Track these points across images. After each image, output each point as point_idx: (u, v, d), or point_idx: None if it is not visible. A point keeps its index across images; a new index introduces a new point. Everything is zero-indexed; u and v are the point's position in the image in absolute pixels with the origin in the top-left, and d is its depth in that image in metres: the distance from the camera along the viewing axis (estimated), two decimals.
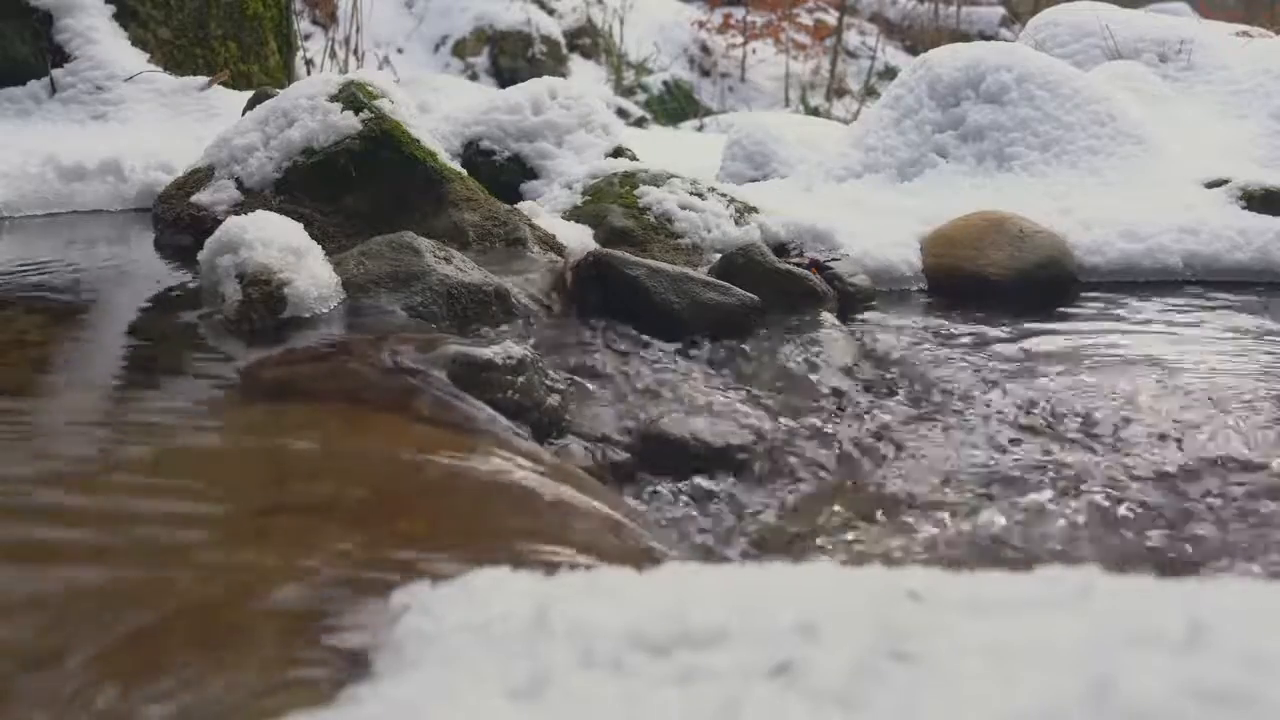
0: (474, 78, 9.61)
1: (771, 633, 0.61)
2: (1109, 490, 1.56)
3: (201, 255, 1.80)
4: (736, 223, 2.73)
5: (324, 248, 1.86)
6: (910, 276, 2.82)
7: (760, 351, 2.01)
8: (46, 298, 1.91)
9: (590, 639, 0.61)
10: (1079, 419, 1.82)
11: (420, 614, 0.70)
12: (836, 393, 1.89)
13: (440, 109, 3.68)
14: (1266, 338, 2.41)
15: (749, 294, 2.14)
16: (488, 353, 1.52)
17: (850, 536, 1.41)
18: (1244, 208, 3.20)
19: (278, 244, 1.75)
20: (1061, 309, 2.66)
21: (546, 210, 2.69)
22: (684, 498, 1.48)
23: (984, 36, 10.86)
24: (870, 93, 10.84)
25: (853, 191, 3.39)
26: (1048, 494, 1.55)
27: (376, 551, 0.95)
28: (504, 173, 3.10)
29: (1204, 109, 4.25)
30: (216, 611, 0.82)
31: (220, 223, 1.85)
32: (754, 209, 2.83)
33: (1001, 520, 1.47)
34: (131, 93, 3.63)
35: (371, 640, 0.74)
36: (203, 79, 3.80)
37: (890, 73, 10.88)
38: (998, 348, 2.25)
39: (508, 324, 1.87)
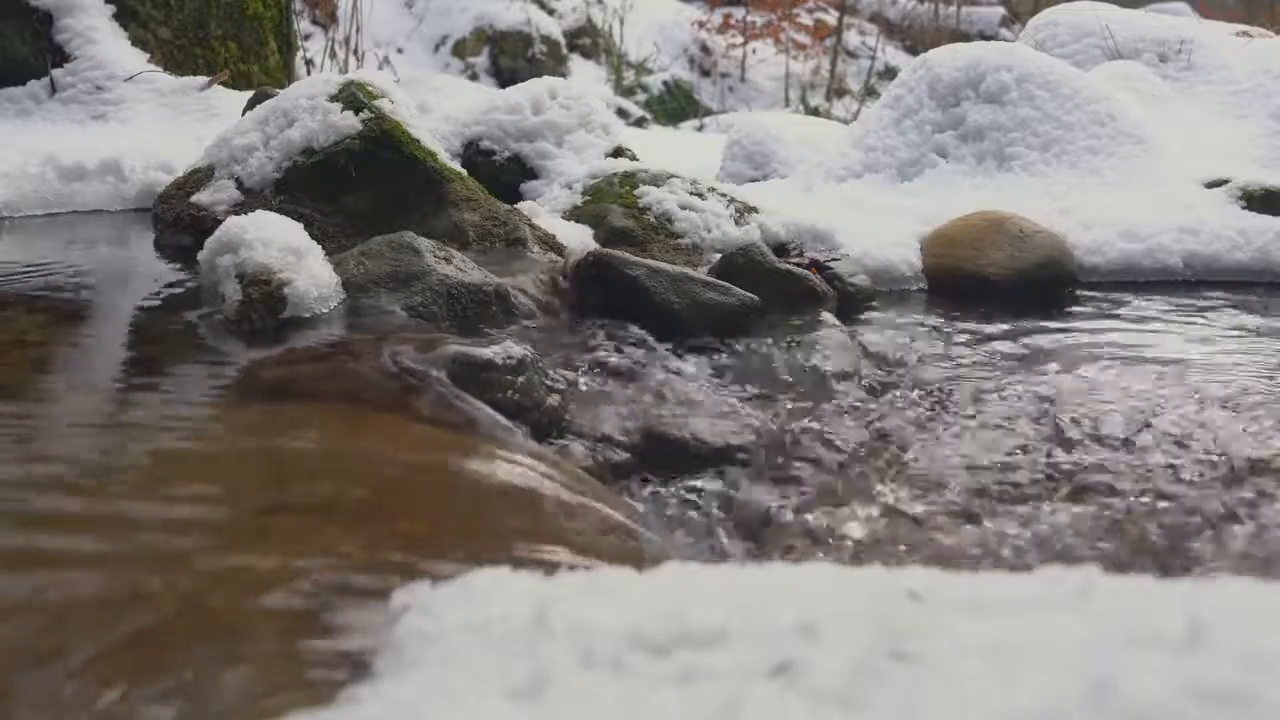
0: (474, 78, 9.61)
1: (771, 633, 0.61)
2: (1109, 490, 1.56)
3: (201, 255, 1.80)
4: (736, 223, 2.73)
5: (324, 248, 1.86)
6: (910, 276, 2.82)
7: (760, 351, 2.01)
8: (46, 298, 1.92)
9: (590, 639, 0.61)
10: (1080, 419, 1.82)
11: (420, 614, 0.70)
12: (837, 393, 1.89)
13: (440, 109, 3.68)
14: (1267, 337, 2.41)
15: (749, 294, 2.14)
16: (488, 353, 1.52)
17: (851, 536, 1.41)
18: (1244, 208, 3.20)
19: (278, 244, 1.75)
20: (1062, 309, 2.66)
21: (546, 210, 2.69)
22: (684, 498, 1.48)
23: (984, 36, 10.86)
24: (870, 93, 10.84)
25: (853, 191, 3.39)
26: (1049, 494, 1.55)
27: (376, 552, 0.95)
28: (504, 173, 3.10)
29: (1204, 109, 4.25)
30: (216, 612, 0.82)
31: (220, 223, 1.85)
32: (754, 209, 2.83)
33: (1002, 520, 1.47)
34: (131, 93, 3.63)
35: (371, 640, 0.74)
36: (203, 79, 3.80)
37: (890, 73, 10.88)
38: (998, 348, 2.25)
39: (508, 324, 1.87)
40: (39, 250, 2.44)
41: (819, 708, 0.53)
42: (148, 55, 3.83)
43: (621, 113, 9.45)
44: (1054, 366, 2.12)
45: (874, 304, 2.56)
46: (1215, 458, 1.67)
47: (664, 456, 1.57)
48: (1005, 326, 2.41)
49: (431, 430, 1.33)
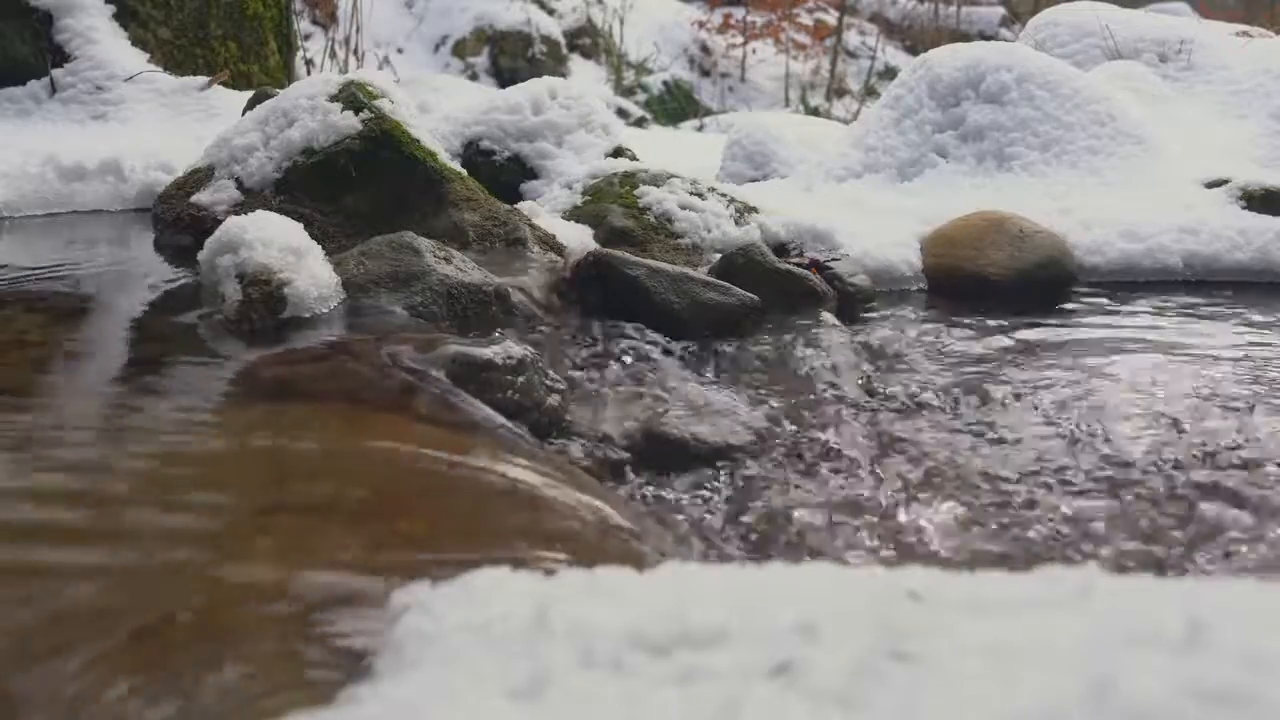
0: (474, 78, 9.61)
1: (771, 633, 0.61)
2: (1110, 490, 1.56)
3: (201, 255, 1.80)
4: (736, 223, 2.73)
5: (324, 248, 1.86)
6: (910, 276, 2.82)
7: (760, 351, 2.01)
8: (46, 298, 1.92)
9: (590, 639, 0.61)
10: (1081, 419, 1.82)
11: (420, 614, 0.70)
12: (837, 393, 1.89)
13: (440, 109, 3.68)
14: (1268, 337, 2.41)
15: (749, 294, 2.14)
16: (487, 353, 1.52)
17: (851, 536, 1.41)
18: (1244, 208, 3.20)
19: (278, 244, 1.75)
20: (1062, 309, 2.66)
21: (546, 210, 2.69)
22: (684, 498, 1.48)
23: (984, 36, 10.86)
24: (870, 93, 10.85)
25: (853, 191, 3.39)
26: (1049, 494, 1.55)
27: (376, 551, 0.95)
28: (504, 173, 3.10)
29: (1204, 109, 4.25)
30: (216, 611, 0.82)
31: (220, 223, 1.85)
32: (754, 209, 2.83)
33: (1002, 520, 1.47)
34: (131, 93, 3.63)
35: (371, 640, 0.74)
36: (203, 79, 3.80)
37: (890, 73, 10.88)
38: (998, 348, 2.25)
39: (508, 324, 1.87)
40: (39, 250, 2.44)
41: (819, 708, 0.53)
42: (148, 55, 3.83)
43: (621, 113, 9.46)
44: (1055, 367, 2.12)
45: (874, 304, 2.56)
46: (1218, 455, 1.67)
47: (664, 456, 1.57)
48: (1005, 326, 2.41)
49: (431, 430, 1.33)
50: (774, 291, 2.23)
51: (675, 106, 10.79)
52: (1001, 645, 0.57)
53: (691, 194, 2.79)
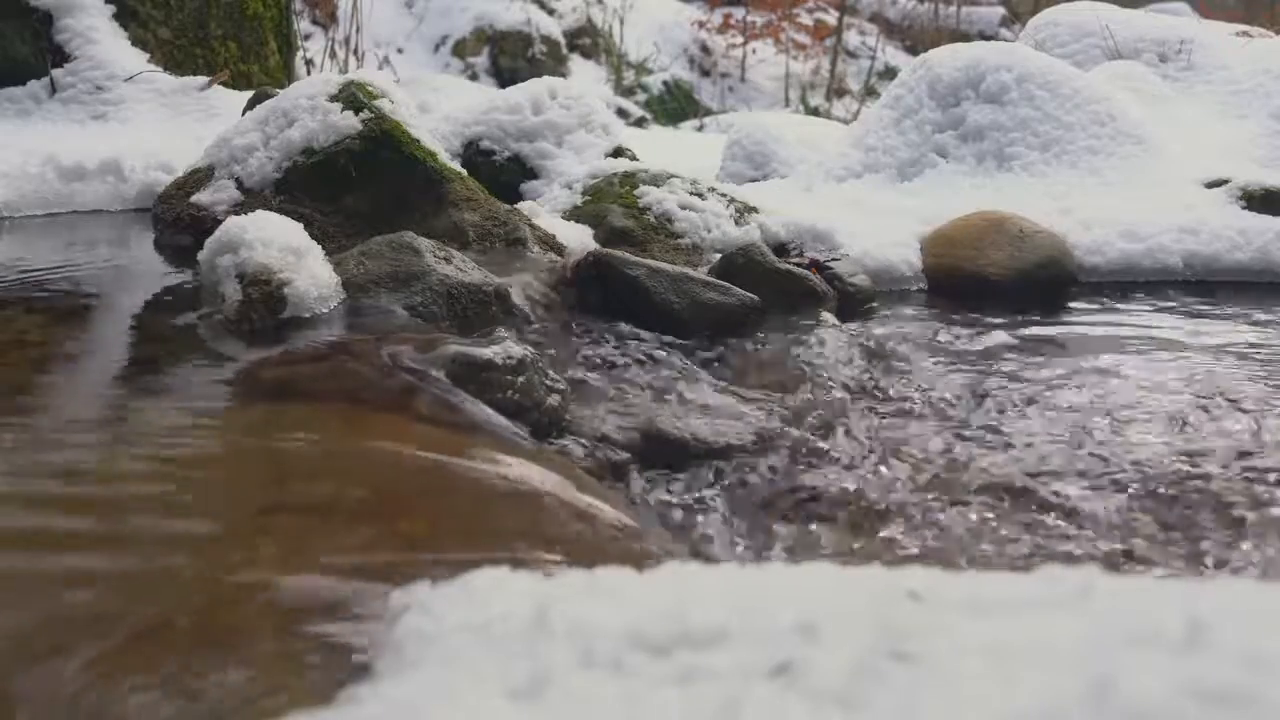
0: (474, 78, 9.61)
1: (771, 633, 0.61)
2: (1110, 490, 1.56)
3: (201, 255, 1.80)
4: (736, 223, 2.73)
5: (324, 248, 1.86)
6: (910, 276, 2.82)
7: (760, 351, 2.01)
8: (46, 298, 1.92)
9: (590, 639, 0.61)
10: (1081, 418, 1.82)
11: (420, 614, 0.70)
12: (837, 393, 1.89)
13: (440, 109, 3.68)
14: (1269, 336, 2.41)
15: (749, 294, 2.14)
16: (487, 353, 1.52)
17: (851, 536, 1.41)
18: (1244, 208, 3.20)
19: (278, 244, 1.75)
20: (1062, 309, 2.66)
21: (546, 210, 2.69)
22: (684, 498, 1.48)
23: (984, 36, 10.86)
24: (870, 93, 10.84)
25: (853, 191, 3.39)
26: (1049, 494, 1.55)
27: (376, 551, 0.95)
28: (504, 173, 3.10)
29: (1204, 109, 4.25)
30: (216, 611, 0.82)
31: (220, 223, 1.85)
32: (754, 209, 2.83)
33: (1001, 520, 1.47)
34: (131, 93, 3.63)
35: (371, 640, 0.74)
36: (203, 79, 3.80)
37: (890, 73, 10.88)
38: (997, 348, 2.25)
39: (508, 324, 1.87)
40: (39, 250, 2.44)
41: (819, 708, 0.53)
42: (148, 55, 3.83)
43: (621, 113, 9.46)
44: (1054, 367, 2.12)
45: (874, 304, 2.56)
46: (1217, 455, 1.67)
47: (664, 456, 1.57)
48: (1005, 327, 2.41)
49: (431, 430, 1.33)
50: (774, 291, 2.23)
51: (675, 106, 10.79)
52: (1001, 645, 0.57)
53: (691, 194, 2.79)
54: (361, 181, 2.33)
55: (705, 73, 11.65)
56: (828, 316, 2.22)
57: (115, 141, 3.19)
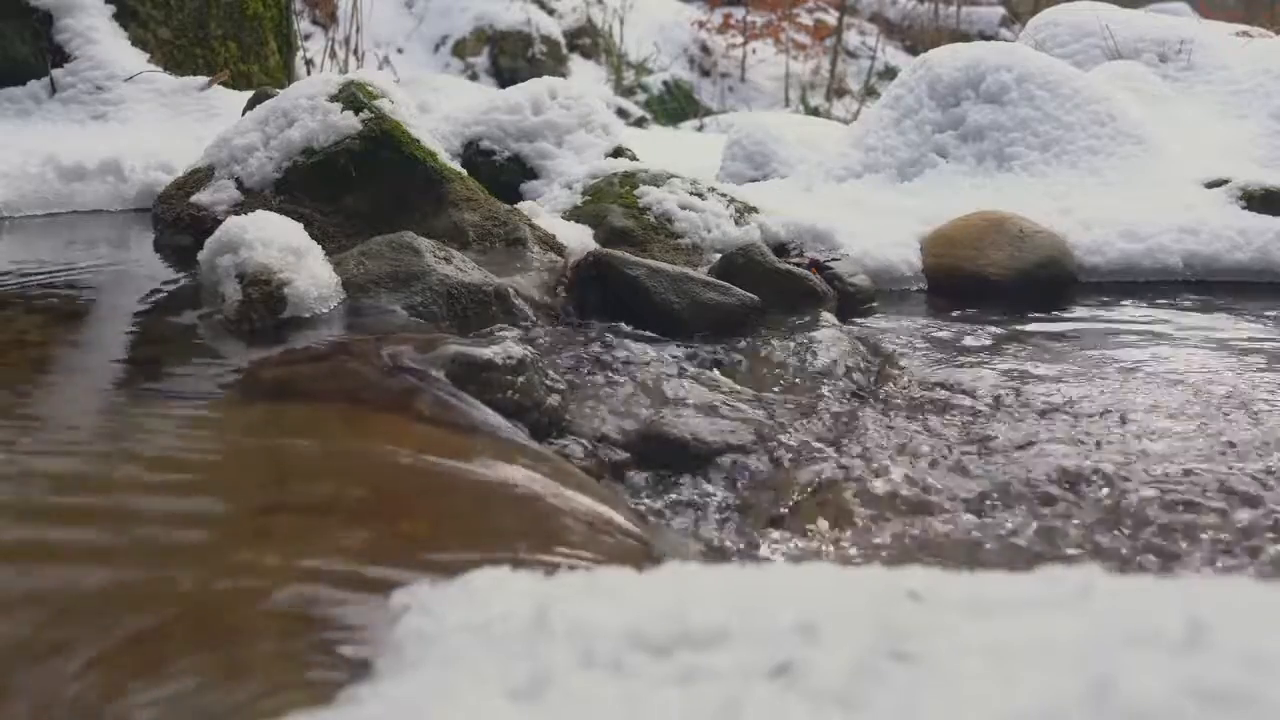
0: (474, 78, 9.61)
1: (771, 633, 0.61)
2: (1111, 490, 1.56)
3: (201, 255, 1.80)
4: (736, 223, 2.73)
5: (324, 248, 1.86)
6: (910, 276, 2.82)
7: (760, 351, 2.01)
8: (46, 298, 1.92)
9: (590, 639, 0.61)
10: (1082, 418, 1.82)
11: (420, 614, 0.70)
12: (837, 393, 1.89)
13: (440, 109, 3.68)
14: (1270, 336, 2.41)
15: (749, 294, 2.14)
16: (487, 353, 1.52)
17: (850, 537, 1.41)
18: (1244, 208, 3.20)
19: (278, 244, 1.75)
20: (1061, 309, 2.66)
21: (546, 210, 2.69)
22: (684, 498, 1.48)
23: (984, 36, 10.86)
24: (870, 93, 10.85)
25: (853, 191, 3.39)
26: (1048, 494, 1.55)
27: (377, 552, 0.95)
28: (504, 173, 3.10)
29: (1204, 109, 4.25)
30: (217, 612, 0.82)
31: (220, 223, 1.85)
32: (754, 209, 2.83)
33: (1000, 520, 1.47)
34: (131, 93, 3.63)
35: (371, 640, 0.74)
36: (203, 79, 3.80)
37: (890, 73, 10.88)
38: (997, 347, 2.25)
39: (508, 324, 1.87)
40: (39, 250, 2.44)
41: (819, 708, 0.53)
42: (148, 55, 3.84)
43: (621, 113, 9.46)
44: (1054, 366, 2.12)
45: (874, 304, 2.56)
46: (1217, 455, 1.67)
47: (664, 456, 1.57)
48: (1005, 326, 2.41)
49: (432, 430, 1.33)
50: (774, 291, 2.23)
51: (675, 106, 10.79)
52: (1001, 645, 0.57)
53: (691, 194, 2.79)
54: (361, 181, 2.33)
55: (705, 73, 11.65)
56: (828, 316, 2.22)
57: (115, 141, 3.19)
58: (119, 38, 3.82)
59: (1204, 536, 1.45)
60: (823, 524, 1.43)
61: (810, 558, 1.34)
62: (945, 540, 1.41)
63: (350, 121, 2.35)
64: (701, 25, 11.91)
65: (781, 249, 2.69)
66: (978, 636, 0.59)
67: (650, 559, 1.11)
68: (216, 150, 2.54)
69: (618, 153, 3.20)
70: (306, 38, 6.99)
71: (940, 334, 2.34)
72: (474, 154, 3.15)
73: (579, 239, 2.44)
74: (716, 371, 1.91)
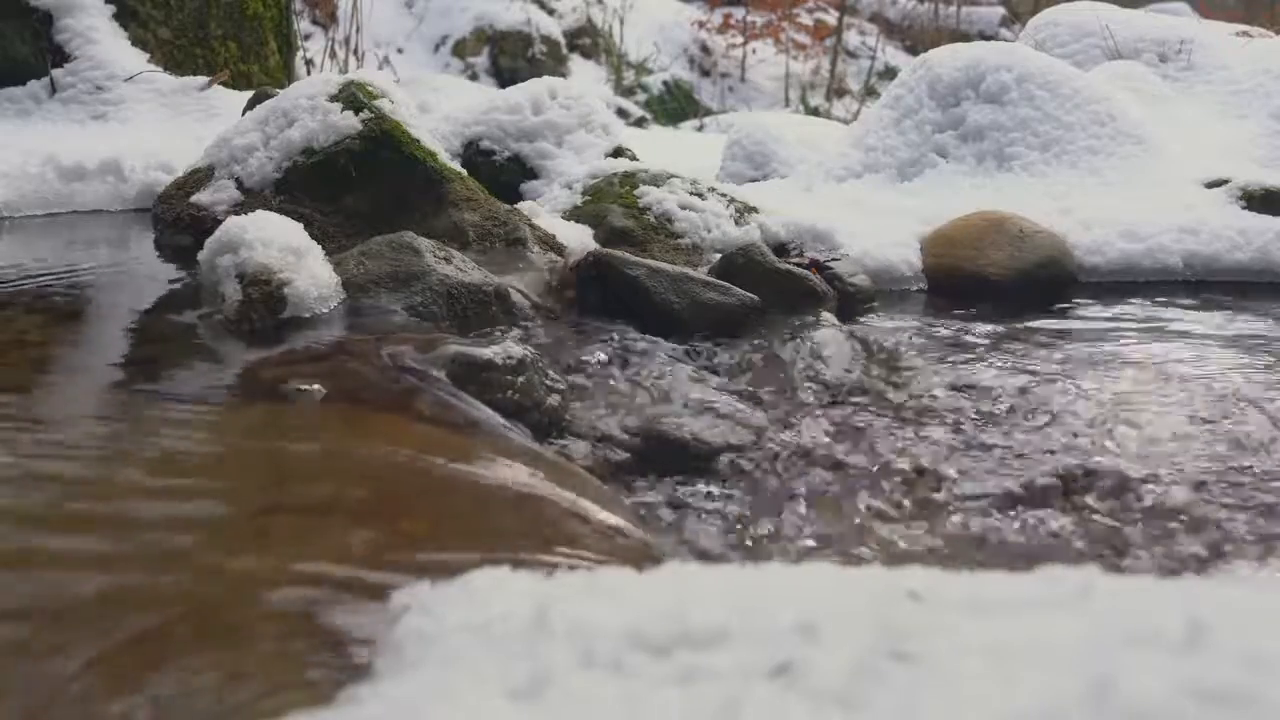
0: (474, 78, 9.61)
1: (771, 633, 0.61)
2: (1111, 490, 1.56)
3: (201, 255, 1.80)
4: (736, 223, 2.73)
5: (324, 248, 1.86)
6: (910, 276, 2.82)
7: (760, 351, 2.01)
8: (46, 298, 1.92)
9: (590, 639, 0.61)
10: (1082, 418, 1.82)
11: (420, 614, 0.70)
12: (836, 393, 1.89)
13: (440, 109, 3.68)
14: (1270, 336, 2.41)
15: (749, 294, 2.14)
16: (488, 353, 1.52)
17: (850, 536, 1.41)
18: (1244, 208, 3.20)
19: (278, 244, 1.75)
20: (1062, 309, 2.66)
21: (546, 210, 2.69)
22: (684, 498, 1.48)
23: (984, 36, 10.86)
24: (870, 93, 10.85)
25: (853, 191, 3.39)
26: (1048, 495, 1.55)
27: (377, 552, 0.95)
28: (504, 173, 3.10)
29: (1204, 109, 4.25)
30: (217, 612, 0.82)
31: (220, 223, 1.85)
32: (754, 209, 2.83)
33: (1003, 520, 1.47)
34: (131, 93, 3.63)
35: (371, 640, 0.74)
36: (203, 79, 3.80)
37: (890, 73, 10.88)
38: (997, 347, 2.25)
39: (508, 324, 1.87)
40: (39, 250, 2.44)
41: (819, 708, 0.53)
42: (148, 55, 3.83)
43: (621, 113, 9.46)
44: (1054, 366, 2.12)
45: (874, 304, 2.56)
46: (1215, 455, 1.67)
47: (664, 456, 1.57)
48: (1005, 326, 2.41)
49: (432, 430, 1.33)
50: (774, 291, 2.23)
51: (675, 106, 10.79)
52: (1001, 645, 0.57)
53: (691, 194, 2.79)
54: (361, 181, 2.33)
55: (705, 73, 11.65)
56: (828, 316, 2.22)
57: (115, 141, 3.19)
58: (119, 38, 3.82)
59: (1206, 536, 1.45)
60: (823, 523, 1.43)
61: (810, 557, 1.34)
62: (947, 540, 1.41)
63: (350, 121, 2.35)
64: (701, 25, 11.91)
65: (781, 249, 2.69)
66: (978, 636, 0.59)
67: (650, 559, 1.11)
68: (216, 150, 2.54)
69: (618, 153, 3.20)
70: (306, 38, 6.99)
71: (940, 334, 2.34)
72: (474, 154, 3.15)
73: (579, 239, 2.44)
74: (717, 372, 1.91)
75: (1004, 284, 2.74)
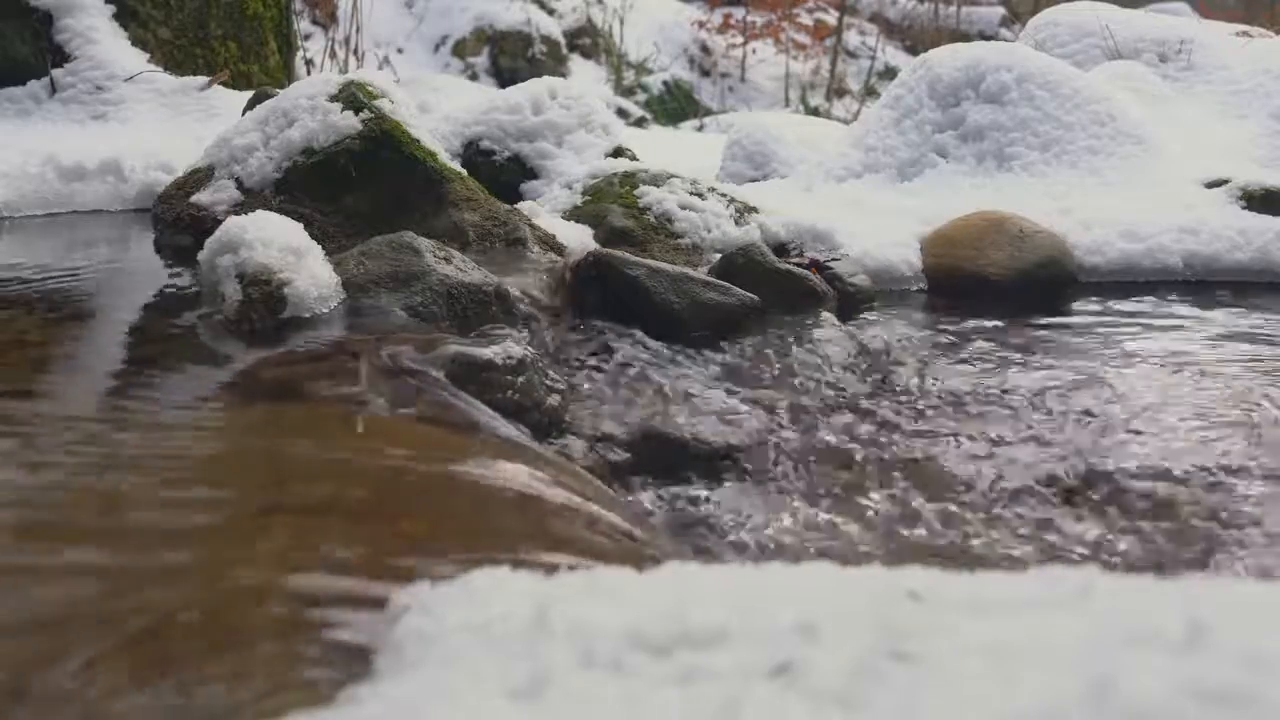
0: (474, 78, 9.61)
1: (771, 633, 0.61)
2: (1110, 491, 1.56)
3: (201, 255, 1.80)
4: (736, 223, 2.73)
5: (324, 248, 1.86)
6: (910, 276, 2.82)
7: (760, 351, 2.01)
8: (46, 298, 1.92)
9: (590, 639, 0.61)
10: (1082, 418, 1.82)
11: (420, 614, 0.70)
12: (836, 393, 1.89)
13: (440, 109, 3.68)
14: (1266, 336, 2.41)
15: (749, 294, 2.14)
16: (488, 353, 1.52)
17: (850, 536, 1.41)
18: (1244, 208, 3.20)
19: (278, 244, 1.74)
20: (1061, 309, 2.66)
21: (546, 210, 2.69)
22: (684, 497, 1.48)
23: (984, 36, 10.86)
24: (870, 93, 10.84)
25: (853, 191, 3.39)
26: (1048, 495, 1.55)
27: (377, 552, 0.95)
28: (504, 173, 3.10)
29: (1204, 109, 4.25)
30: (217, 612, 0.82)
31: (220, 223, 1.84)
32: (754, 209, 2.83)
33: (1004, 520, 1.47)
34: (131, 93, 3.63)
35: (371, 640, 0.74)
36: (203, 79, 3.80)
37: (890, 73, 10.88)
38: (997, 348, 2.25)
39: (508, 324, 1.87)
40: (39, 250, 2.44)
41: (819, 708, 0.53)
42: (148, 55, 3.83)
43: (621, 113, 9.46)
44: (1054, 366, 2.12)
45: (874, 304, 2.56)
46: (1214, 453, 1.67)
47: (664, 456, 1.57)
48: (1005, 326, 2.41)
49: (432, 430, 1.33)
50: (774, 291, 2.23)
51: (675, 106, 10.79)
52: (1001, 645, 0.57)
53: (691, 194, 2.79)
54: (361, 181, 2.33)
55: (705, 73, 11.65)
56: (828, 316, 2.22)
57: (115, 141, 3.19)
58: (119, 38, 3.82)
59: (1207, 535, 1.45)
60: (823, 523, 1.43)
61: (810, 557, 1.34)
62: (948, 540, 1.41)
63: (350, 121, 2.35)
64: (701, 25, 11.91)
65: (781, 249, 2.69)
66: (978, 636, 0.59)
67: (650, 559, 1.11)
68: (216, 150, 2.54)
69: (618, 153, 3.20)
70: (306, 38, 6.99)
71: (940, 334, 2.34)
72: (474, 154, 3.15)
73: (579, 239, 2.44)
74: (716, 372, 1.91)
75: (1004, 284, 2.74)
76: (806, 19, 12.46)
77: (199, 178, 2.52)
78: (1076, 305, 2.72)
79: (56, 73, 3.62)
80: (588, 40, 11.30)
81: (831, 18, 12.27)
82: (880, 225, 2.95)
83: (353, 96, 2.40)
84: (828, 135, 4.23)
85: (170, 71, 3.82)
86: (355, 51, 7.07)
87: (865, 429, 1.74)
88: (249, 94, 3.23)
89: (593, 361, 1.83)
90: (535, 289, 2.04)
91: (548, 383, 1.59)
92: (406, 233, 1.95)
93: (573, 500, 1.19)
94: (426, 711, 0.56)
